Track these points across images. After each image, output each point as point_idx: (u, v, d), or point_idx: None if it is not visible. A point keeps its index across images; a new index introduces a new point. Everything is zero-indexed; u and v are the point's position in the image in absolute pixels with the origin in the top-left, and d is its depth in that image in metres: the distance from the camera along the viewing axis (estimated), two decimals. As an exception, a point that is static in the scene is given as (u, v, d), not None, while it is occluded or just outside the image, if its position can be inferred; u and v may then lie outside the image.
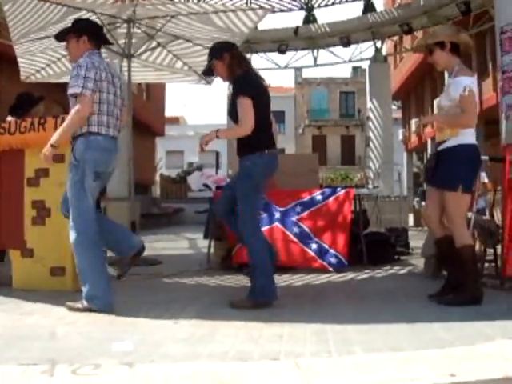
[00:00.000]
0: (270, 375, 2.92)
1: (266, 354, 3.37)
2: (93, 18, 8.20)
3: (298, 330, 4.05)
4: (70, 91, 4.82)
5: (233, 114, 5.04)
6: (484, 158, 6.68)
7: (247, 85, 5.03)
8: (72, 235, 4.83)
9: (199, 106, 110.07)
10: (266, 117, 5.10)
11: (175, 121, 56.16)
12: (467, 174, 5.11)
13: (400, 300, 5.32)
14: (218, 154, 37.07)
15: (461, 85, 5.02)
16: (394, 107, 35.27)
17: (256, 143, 4.99)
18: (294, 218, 7.28)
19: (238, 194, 5.05)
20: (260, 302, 4.90)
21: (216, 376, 2.89)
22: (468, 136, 5.07)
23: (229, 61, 5.13)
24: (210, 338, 3.83)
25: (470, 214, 6.43)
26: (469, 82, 5.03)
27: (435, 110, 5.33)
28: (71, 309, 4.81)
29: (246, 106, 4.92)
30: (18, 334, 3.99)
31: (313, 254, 7.20)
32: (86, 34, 5.06)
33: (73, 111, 4.78)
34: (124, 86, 5.34)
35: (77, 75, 4.79)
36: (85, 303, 4.77)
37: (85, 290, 4.79)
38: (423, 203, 11.41)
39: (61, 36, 5.28)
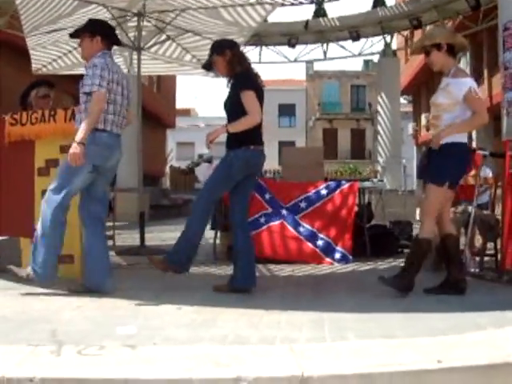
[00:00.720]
0: (265, 358, 3.06)
1: (263, 339, 3.53)
2: (103, 11, 8.40)
3: (296, 317, 4.21)
4: (87, 89, 5.01)
5: (230, 106, 5.31)
6: (485, 153, 6.80)
7: (250, 80, 5.21)
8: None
9: (210, 97, 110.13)
10: None
11: (186, 112, 56.36)
12: (456, 172, 5.27)
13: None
14: (228, 146, 37.22)
15: (465, 85, 5.15)
16: (404, 101, 35.31)
17: (243, 138, 5.18)
18: (297, 217, 7.41)
19: (210, 176, 5.37)
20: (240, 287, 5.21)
21: (214, 358, 3.03)
22: (461, 135, 5.21)
23: (230, 57, 5.30)
24: (211, 324, 3.99)
25: (470, 209, 6.55)
26: (472, 83, 5.20)
27: (432, 109, 5.41)
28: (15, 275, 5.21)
29: (251, 97, 5.13)
30: (28, 318, 4.18)
31: (319, 251, 7.34)
32: (99, 34, 5.27)
33: (94, 108, 4.94)
34: (131, 86, 5.49)
35: (93, 74, 4.99)
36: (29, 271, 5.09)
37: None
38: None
39: (75, 34, 5.47)
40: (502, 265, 6.19)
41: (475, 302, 4.80)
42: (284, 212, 7.41)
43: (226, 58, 5.31)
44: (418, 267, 5.25)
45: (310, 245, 7.34)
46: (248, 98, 5.12)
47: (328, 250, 7.32)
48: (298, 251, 7.38)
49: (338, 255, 7.28)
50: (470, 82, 5.20)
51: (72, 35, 5.61)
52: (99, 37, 5.26)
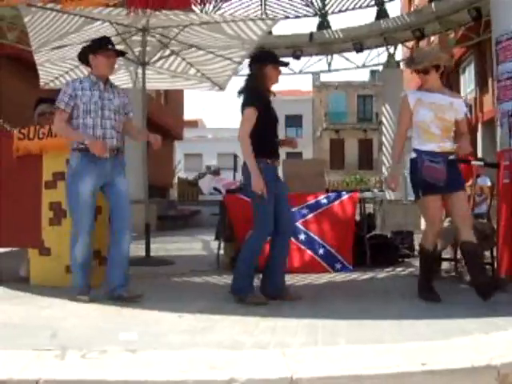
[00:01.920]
0: (257, 362, 3.23)
1: (257, 344, 3.71)
2: (108, 27, 8.62)
3: (291, 323, 4.38)
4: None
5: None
6: (479, 163, 6.97)
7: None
8: None
9: (218, 109, 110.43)
10: None
11: (194, 124, 56.57)
12: None
13: (394, 299, 5.59)
14: (235, 156, 37.33)
15: (464, 107, 5.69)
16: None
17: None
18: (299, 223, 7.54)
19: None
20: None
21: (209, 362, 3.21)
22: None
23: None
24: (209, 330, 4.17)
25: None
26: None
27: (438, 122, 5.61)
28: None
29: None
30: (34, 324, 4.37)
31: (320, 260, 7.49)
32: None
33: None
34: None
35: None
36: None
37: None
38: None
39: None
40: (498, 273, 6.34)
41: (466, 308, 4.93)
42: None
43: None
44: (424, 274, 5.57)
45: (310, 253, 7.47)
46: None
47: (329, 259, 7.46)
48: (299, 261, 7.49)
49: (338, 265, 7.44)
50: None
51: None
52: None
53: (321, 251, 7.46)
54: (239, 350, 3.58)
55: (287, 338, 3.89)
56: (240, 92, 5.56)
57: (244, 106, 5.40)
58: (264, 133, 5.37)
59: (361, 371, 3.08)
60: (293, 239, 7.44)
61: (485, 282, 5.34)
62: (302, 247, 7.49)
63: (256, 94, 5.47)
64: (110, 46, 5.71)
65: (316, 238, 7.51)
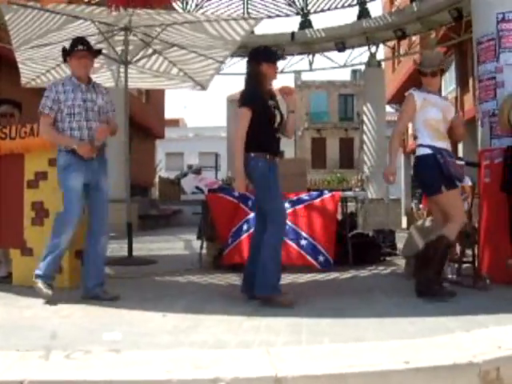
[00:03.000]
0: (242, 361, 3.24)
1: (241, 343, 3.73)
2: (90, 25, 8.59)
3: (275, 322, 4.39)
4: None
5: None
6: (461, 162, 7.02)
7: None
8: None
9: (199, 108, 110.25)
10: None
11: (175, 123, 56.44)
12: None
13: (376, 297, 5.63)
14: (217, 155, 37.31)
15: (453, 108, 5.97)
16: (392, 110, 35.54)
17: None
18: None
19: None
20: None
21: (194, 361, 3.21)
22: None
23: None
24: (193, 329, 4.18)
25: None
26: None
27: (442, 125, 5.74)
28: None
29: None
30: (17, 325, 4.36)
31: (301, 251, 7.41)
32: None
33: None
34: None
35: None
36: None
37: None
38: (421, 206, 11.67)
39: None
40: (479, 271, 6.40)
41: (449, 307, 4.98)
42: None
43: None
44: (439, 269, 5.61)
45: (294, 245, 7.40)
46: None
47: (311, 252, 7.39)
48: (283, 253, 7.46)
49: (321, 258, 7.35)
50: None
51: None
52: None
53: (303, 242, 7.38)
54: (224, 349, 3.59)
55: (271, 336, 3.90)
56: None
57: (239, 106, 5.47)
58: (262, 130, 5.38)
59: (345, 369, 3.09)
60: None
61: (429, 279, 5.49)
62: (285, 238, 7.45)
63: (250, 94, 5.50)
64: (80, 47, 5.75)
65: (298, 229, 7.46)
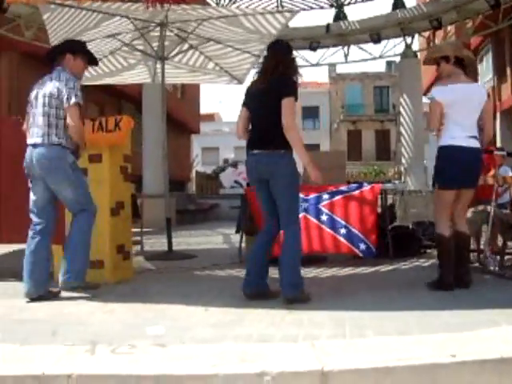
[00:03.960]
0: (287, 355, 3.24)
1: (285, 337, 3.72)
2: (126, 22, 8.64)
3: (317, 316, 4.38)
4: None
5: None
6: (502, 153, 6.93)
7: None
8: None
9: (234, 102, 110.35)
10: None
11: (210, 118, 56.64)
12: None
13: (418, 290, 5.56)
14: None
15: None
16: (428, 101, 35.24)
17: None
18: (320, 205, 7.45)
19: None
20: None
21: (239, 355, 3.22)
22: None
23: None
24: (236, 323, 4.19)
25: (489, 208, 6.67)
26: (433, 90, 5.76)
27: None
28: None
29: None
30: (62, 320, 4.41)
31: (342, 239, 7.38)
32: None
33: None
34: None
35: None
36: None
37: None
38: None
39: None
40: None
41: (492, 299, 4.91)
42: (306, 205, 7.44)
43: None
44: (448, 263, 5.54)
45: (332, 232, 7.38)
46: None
47: (352, 239, 7.34)
48: (320, 242, 7.44)
49: (362, 246, 7.31)
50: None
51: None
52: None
53: (343, 231, 7.36)
54: (268, 342, 3.59)
55: (315, 330, 3.89)
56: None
57: (285, 94, 5.08)
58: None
59: (391, 363, 3.07)
60: (314, 220, 7.40)
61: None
62: (324, 227, 7.43)
63: (295, 85, 5.25)
64: (94, 58, 5.91)
65: (338, 219, 7.40)
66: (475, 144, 5.50)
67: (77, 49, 5.73)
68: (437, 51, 5.86)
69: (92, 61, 5.92)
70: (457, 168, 5.51)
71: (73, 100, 5.32)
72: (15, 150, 5.86)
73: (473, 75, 5.71)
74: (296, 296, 4.93)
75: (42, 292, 5.26)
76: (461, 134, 5.47)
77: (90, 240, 5.48)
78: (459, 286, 5.35)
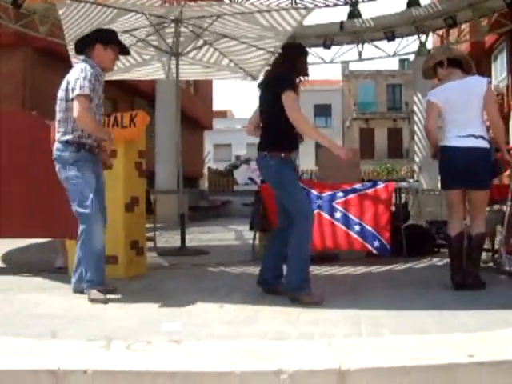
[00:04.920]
0: (303, 353, 3.22)
1: (301, 335, 3.72)
2: (142, 18, 8.64)
3: (333, 314, 4.37)
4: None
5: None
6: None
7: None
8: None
9: (246, 99, 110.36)
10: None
11: (223, 114, 56.67)
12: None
13: (433, 289, 5.55)
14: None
15: None
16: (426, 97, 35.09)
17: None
18: (334, 203, 7.41)
19: None
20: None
21: (255, 352, 3.21)
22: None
23: None
24: (251, 321, 4.18)
25: (504, 208, 6.62)
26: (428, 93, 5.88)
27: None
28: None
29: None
30: (77, 315, 4.42)
31: (356, 236, 7.34)
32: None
33: None
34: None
35: None
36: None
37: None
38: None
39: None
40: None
41: (507, 299, 4.89)
42: (319, 202, 7.40)
43: None
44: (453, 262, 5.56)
45: (346, 229, 7.34)
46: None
47: (366, 236, 7.31)
48: (333, 239, 7.41)
49: (377, 243, 7.27)
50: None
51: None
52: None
53: (357, 228, 7.33)
54: (285, 340, 3.58)
55: (331, 328, 3.88)
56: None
57: (283, 89, 5.01)
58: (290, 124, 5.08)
59: (408, 362, 3.05)
60: (328, 217, 7.37)
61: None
62: (338, 224, 7.39)
63: (291, 79, 5.18)
64: (125, 47, 5.72)
65: (352, 216, 7.36)
66: (474, 143, 5.41)
67: (108, 39, 5.52)
68: (431, 60, 5.91)
69: (124, 51, 5.76)
70: (451, 168, 5.55)
71: (76, 92, 5.12)
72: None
73: (470, 70, 5.67)
74: (296, 296, 4.84)
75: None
76: (456, 133, 5.48)
77: (100, 248, 5.21)
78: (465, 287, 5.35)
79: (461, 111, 5.50)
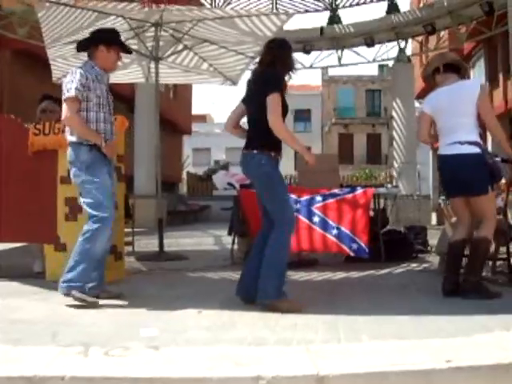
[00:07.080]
0: (282, 359, 3.22)
1: (280, 341, 3.70)
2: (121, 22, 8.61)
3: (311, 320, 4.36)
4: None
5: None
6: (497, 159, 6.92)
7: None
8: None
9: (226, 103, 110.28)
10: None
11: (202, 119, 56.57)
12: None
13: (411, 294, 5.58)
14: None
15: None
16: (420, 105, 35.29)
17: None
18: (313, 207, 7.46)
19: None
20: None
21: (234, 358, 3.20)
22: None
23: None
24: (230, 326, 4.17)
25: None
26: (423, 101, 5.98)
27: None
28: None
29: None
30: (54, 321, 4.37)
31: (334, 238, 7.37)
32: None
33: None
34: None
35: None
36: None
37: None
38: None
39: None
40: (514, 269, 6.31)
41: (485, 304, 4.90)
42: (298, 205, 7.43)
43: None
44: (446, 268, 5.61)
45: (324, 233, 7.38)
46: None
47: (343, 239, 7.34)
48: (310, 241, 7.46)
49: (354, 245, 7.30)
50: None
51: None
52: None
53: (335, 232, 7.36)
54: (263, 346, 3.57)
55: (309, 334, 3.87)
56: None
57: (270, 90, 4.93)
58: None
59: (387, 368, 3.07)
60: (306, 220, 7.39)
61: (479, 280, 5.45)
62: (315, 228, 7.41)
63: (280, 79, 5.11)
64: (127, 47, 5.73)
65: (330, 221, 7.40)
66: (459, 150, 5.40)
67: (111, 40, 5.52)
68: (429, 67, 5.95)
69: (126, 50, 5.78)
70: (443, 177, 5.72)
71: (64, 95, 5.16)
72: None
73: (466, 74, 5.72)
74: (273, 303, 4.72)
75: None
76: (444, 141, 5.54)
77: (99, 252, 5.16)
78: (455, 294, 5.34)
79: (451, 117, 5.50)
